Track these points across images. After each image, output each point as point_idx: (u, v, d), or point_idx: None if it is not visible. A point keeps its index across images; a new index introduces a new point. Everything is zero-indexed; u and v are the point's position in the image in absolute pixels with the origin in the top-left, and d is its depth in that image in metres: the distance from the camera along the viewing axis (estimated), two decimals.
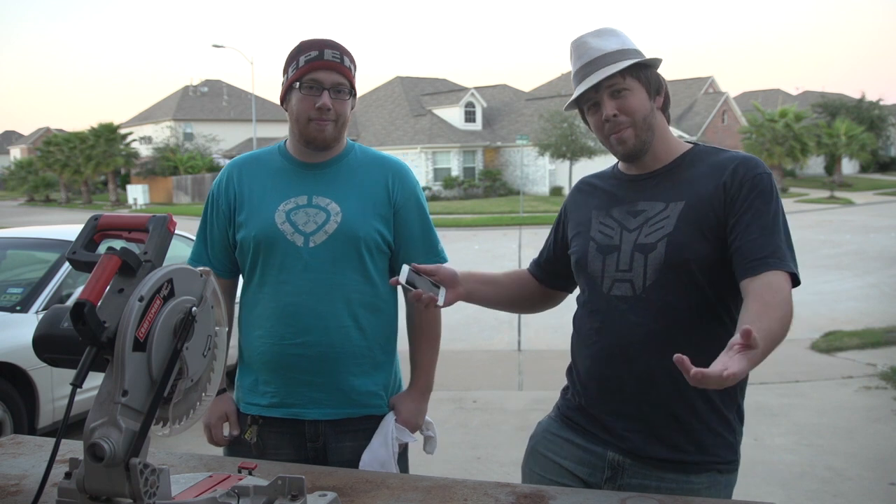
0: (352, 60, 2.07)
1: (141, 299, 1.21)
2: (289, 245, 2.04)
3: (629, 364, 1.71)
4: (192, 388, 1.36)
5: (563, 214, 2.00)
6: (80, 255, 1.32)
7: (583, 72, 1.77)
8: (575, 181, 2.11)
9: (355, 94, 2.10)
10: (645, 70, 1.76)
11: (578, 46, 1.79)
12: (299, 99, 2.02)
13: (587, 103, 1.79)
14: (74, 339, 1.20)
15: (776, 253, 1.61)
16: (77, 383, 1.18)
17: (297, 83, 2.02)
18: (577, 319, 1.88)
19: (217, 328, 1.39)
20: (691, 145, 1.84)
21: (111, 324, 1.20)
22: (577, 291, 1.97)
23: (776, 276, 1.58)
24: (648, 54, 1.79)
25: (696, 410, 1.71)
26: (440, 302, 1.78)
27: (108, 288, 1.24)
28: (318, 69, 2.01)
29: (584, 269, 1.83)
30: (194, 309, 1.29)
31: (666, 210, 1.74)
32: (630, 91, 1.73)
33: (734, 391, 1.75)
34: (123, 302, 1.22)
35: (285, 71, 2.07)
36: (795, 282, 1.61)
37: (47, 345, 1.28)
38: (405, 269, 1.78)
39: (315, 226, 2.05)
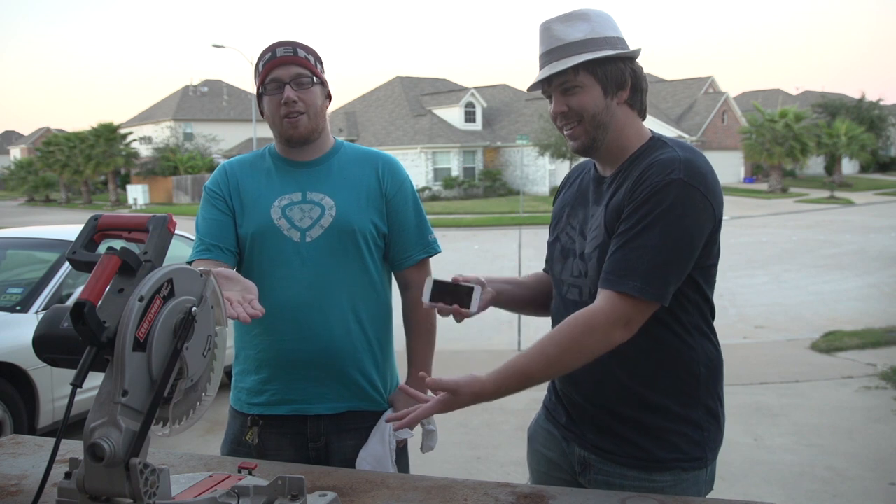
0: (308, 51, 2.09)
1: (141, 299, 1.21)
2: (285, 241, 2.05)
3: (585, 366, 1.65)
4: (192, 389, 1.35)
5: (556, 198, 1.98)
6: (80, 255, 1.31)
7: (542, 60, 1.70)
8: None
9: (324, 84, 2.12)
10: (604, 65, 1.65)
11: (543, 31, 1.70)
12: (268, 101, 2.07)
13: (544, 93, 1.73)
14: (74, 339, 1.20)
15: (620, 271, 1.57)
16: (77, 383, 1.18)
17: (262, 88, 2.07)
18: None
19: (217, 328, 1.39)
20: (648, 137, 1.73)
21: (111, 324, 1.19)
22: None
23: (605, 300, 1.57)
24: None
25: (651, 410, 1.69)
26: (473, 309, 1.74)
27: (108, 288, 1.24)
28: (275, 68, 2.05)
29: (552, 271, 1.86)
30: (194, 309, 1.29)
31: (597, 217, 1.71)
32: (581, 88, 1.65)
33: (694, 390, 1.70)
34: (123, 302, 1.21)
35: (254, 83, 2.13)
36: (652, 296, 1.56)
37: (47, 345, 1.28)
38: (428, 283, 1.76)
39: (310, 221, 2.06)
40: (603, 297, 1.58)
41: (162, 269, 1.27)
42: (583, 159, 1.88)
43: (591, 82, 1.66)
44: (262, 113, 2.13)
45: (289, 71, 2.04)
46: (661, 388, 1.68)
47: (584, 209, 1.79)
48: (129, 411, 1.20)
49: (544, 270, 2.00)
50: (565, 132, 1.73)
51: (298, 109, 2.04)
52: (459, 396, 1.55)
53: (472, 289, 1.75)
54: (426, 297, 1.75)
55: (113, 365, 1.20)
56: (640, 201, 1.59)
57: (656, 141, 1.72)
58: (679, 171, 1.58)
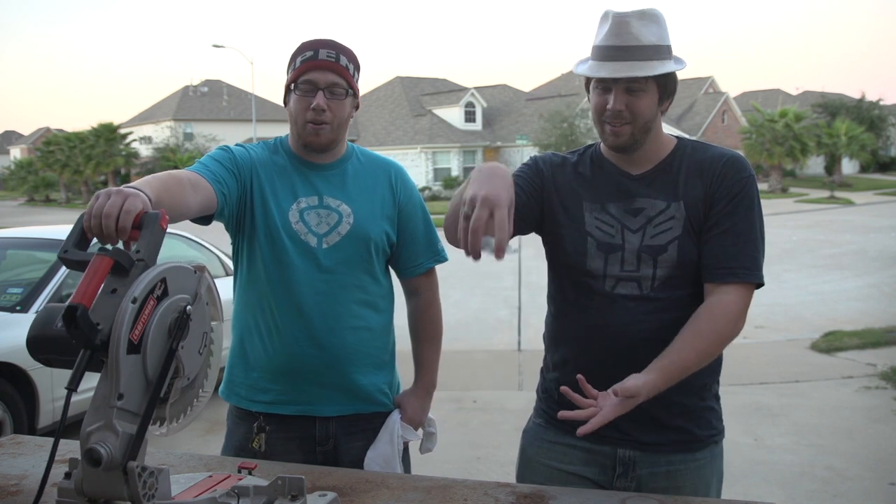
0: (351, 60, 2.04)
1: (134, 301, 1.19)
2: (303, 245, 2.03)
3: (636, 361, 1.66)
4: (189, 387, 1.35)
5: (539, 177, 1.84)
6: (72, 253, 1.29)
7: (610, 53, 1.68)
8: None
9: (355, 95, 2.08)
10: (667, 76, 1.71)
11: (619, 24, 1.69)
12: (295, 100, 2.01)
13: (599, 84, 1.73)
14: (69, 340, 1.18)
15: (746, 263, 1.69)
16: (72, 387, 1.16)
17: (293, 84, 2.01)
18: (565, 314, 1.85)
19: (213, 323, 1.39)
20: (676, 139, 1.83)
21: (105, 326, 1.18)
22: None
23: (736, 291, 1.69)
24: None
25: (694, 393, 1.78)
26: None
27: (100, 289, 1.22)
28: (313, 69, 1.99)
29: (581, 267, 1.78)
30: (189, 308, 1.27)
31: (668, 210, 1.73)
32: (645, 93, 1.69)
33: (720, 365, 1.82)
34: (116, 303, 1.20)
35: (287, 72, 2.06)
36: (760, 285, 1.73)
37: (41, 345, 1.25)
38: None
39: (328, 227, 2.04)
40: (732, 288, 1.68)
41: (155, 268, 1.25)
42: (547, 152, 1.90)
43: (654, 90, 1.72)
44: (284, 104, 2.09)
45: (326, 77, 1.98)
46: (708, 368, 1.75)
47: (617, 203, 1.77)
48: (125, 414, 1.19)
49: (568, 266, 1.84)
50: (610, 128, 1.72)
51: (325, 119, 2.00)
52: (638, 400, 1.57)
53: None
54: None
55: (107, 368, 1.19)
56: (733, 196, 1.71)
57: (689, 140, 1.85)
58: (750, 168, 1.76)
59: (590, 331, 1.78)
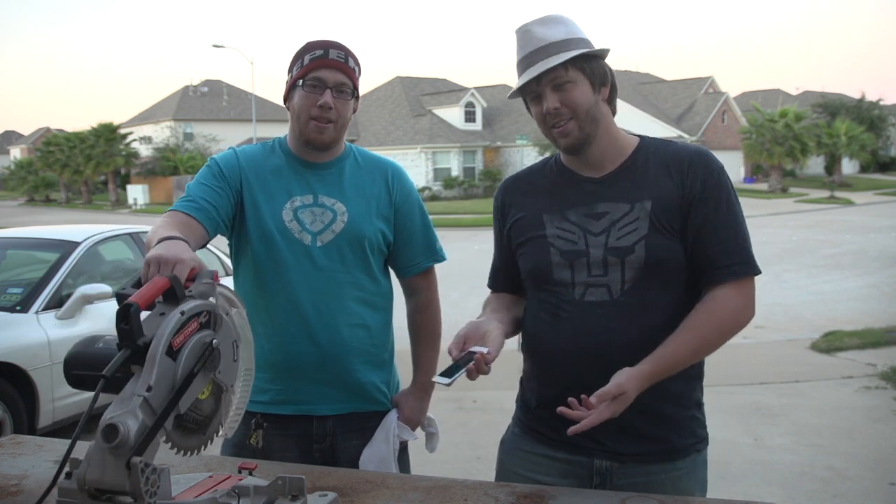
0: (356, 62, 2.09)
1: (182, 314, 1.27)
2: (296, 243, 2.04)
3: (608, 369, 1.60)
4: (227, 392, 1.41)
5: (501, 216, 1.91)
6: (129, 291, 1.35)
7: (525, 62, 1.72)
8: None
9: (357, 97, 2.11)
10: (589, 61, 1.70)
11: (522, 35, 1.73)
12: (301, 96, 2.03)
13: (530, 94, 1.74)
14: (104, 358, 1.26)
15: (741, 258, 1.69)
16: (107, 374, 1.22)
17: (301, 81, 2.03)
18: (537, 326, 1.82)
19: (234, 311, 1.44)
20: (638, 138, 1.81)
21: (149, 337, 1.25)
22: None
23: (735, 286, 1.68)
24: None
25: (673, 401, 1.73)
26: (493, 352, 1.63)
27: (153, 308, 1.31)
28: (322, 67, 2.02)
29: (548, 277, 1.75)
30: (215, 341, 1.33)
31: (633, 211, 1.70)
32: (573, 83, 1.68)
33: (701, 371, 1.79)
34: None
35: (290, 70, 2.08)
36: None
37: (77, 362, 1.38)
38: (438, 380, 1.55)
39: (322, 225, 2.06)
40: (730, 284, 1.67)
41: (205, 300, 1.36)
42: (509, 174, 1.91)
43: (581, 78, 1.70)
44: (285, 102, 2.10)
45: (335, 76, 2.02)
46: (683, 374, 1.70)
47: (577, 209, 1.75)
48: (147, 407, 1.22)
49: (494, 288, 1.98)
50: (556, 130, 1.72)
51: (330, 117, 2.02)
52: (628, 395, 1.55)
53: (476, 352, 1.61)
54: (445, 381, 1.54)
55: (144, 363, 1.24)
56: (711, 189, 1.70)
57: (651, 138, 1.83)
58: (717, 158, 1.76)
59: (562, 342, 1.74)
